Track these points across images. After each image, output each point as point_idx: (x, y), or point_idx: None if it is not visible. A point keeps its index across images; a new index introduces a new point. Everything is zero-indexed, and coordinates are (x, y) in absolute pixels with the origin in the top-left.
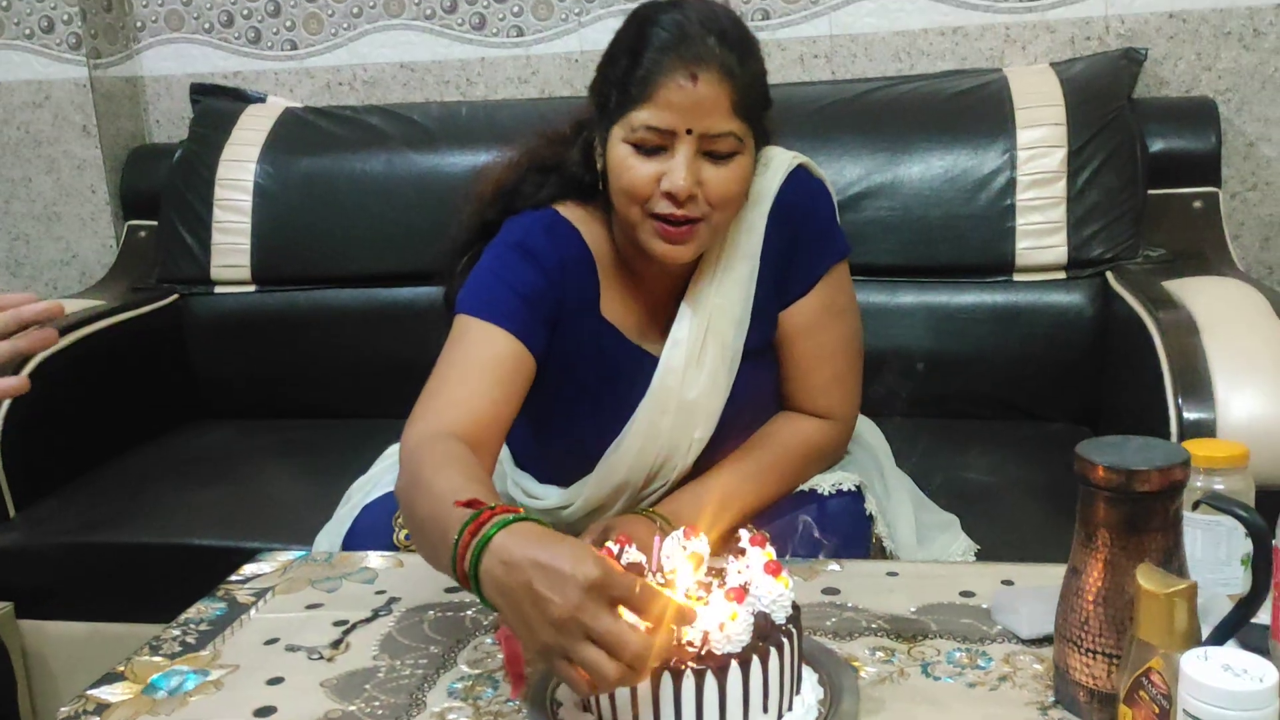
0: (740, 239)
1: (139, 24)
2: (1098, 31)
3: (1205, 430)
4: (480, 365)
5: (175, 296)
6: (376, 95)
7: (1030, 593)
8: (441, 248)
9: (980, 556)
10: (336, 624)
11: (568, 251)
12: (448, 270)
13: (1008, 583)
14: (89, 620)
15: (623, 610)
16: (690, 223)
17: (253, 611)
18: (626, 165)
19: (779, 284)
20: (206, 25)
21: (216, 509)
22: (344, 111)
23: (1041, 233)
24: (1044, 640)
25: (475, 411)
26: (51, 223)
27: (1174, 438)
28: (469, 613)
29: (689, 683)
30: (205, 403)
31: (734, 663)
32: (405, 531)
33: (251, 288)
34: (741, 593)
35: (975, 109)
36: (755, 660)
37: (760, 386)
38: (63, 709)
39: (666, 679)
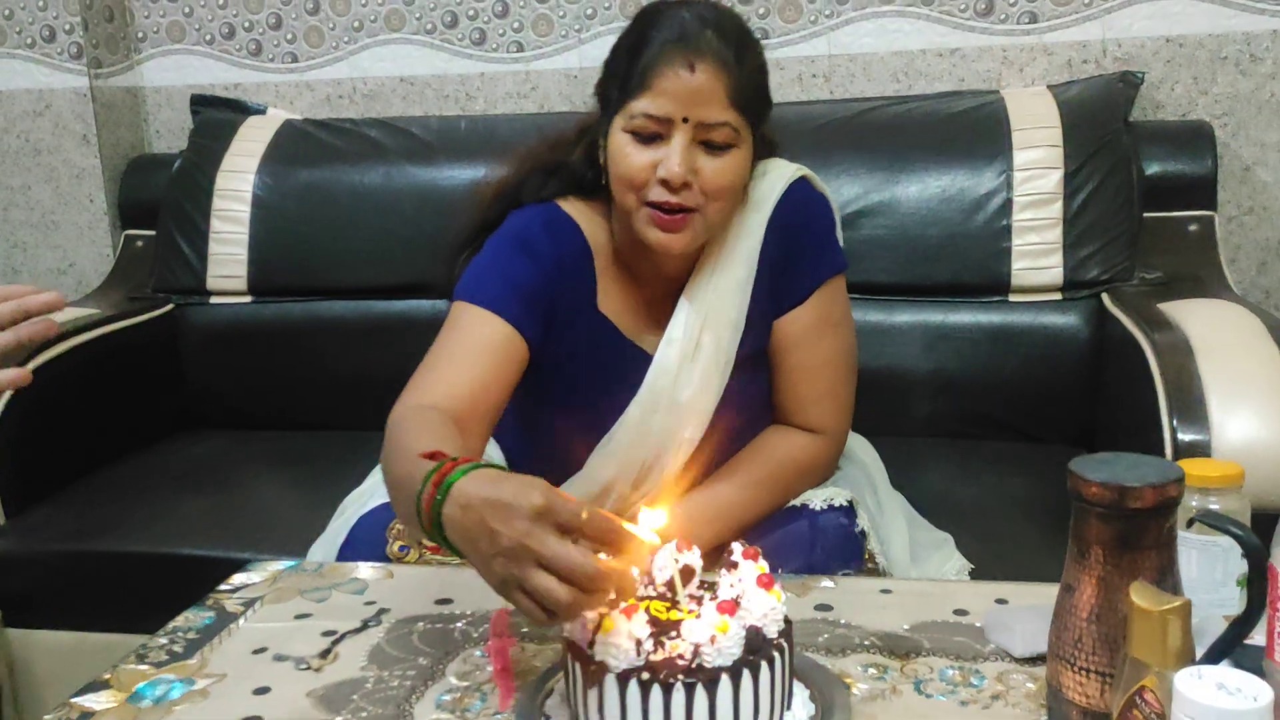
0: (738, 243)
1: (140, 35)
2: (1095, 55)
3: (1200, 452)
4: (470, 347)
5: (171, 306)
6: (376, 109)
7: (1024, 611)
8: (442, 254)
9: (974, 575)
10: (325, 634)
11: (566, 246)
12: (449, 262)
13: (1001, 601)
14: (77, 630)
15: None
16: (684, 211)
17: (241, 621)
18: (624, 153)
19: (774, 292)
20: (208, 37)
21: (208, 519)
22: (343, 124)
23: (1037, 253)
24: (1037, 659)
25: (461, 390)
26: (49, 231)
27: (1169, 459)
28: (459, 625)
29: (679, 695)
30: (199, 412)
31: (724, 676)
32: (400, 543)
33: (247, 298)
34: (733, 606)
35: (972, 130)
36: (746, 674)
37: (752, 393)
38: (47, 717)
39: (656, 691)
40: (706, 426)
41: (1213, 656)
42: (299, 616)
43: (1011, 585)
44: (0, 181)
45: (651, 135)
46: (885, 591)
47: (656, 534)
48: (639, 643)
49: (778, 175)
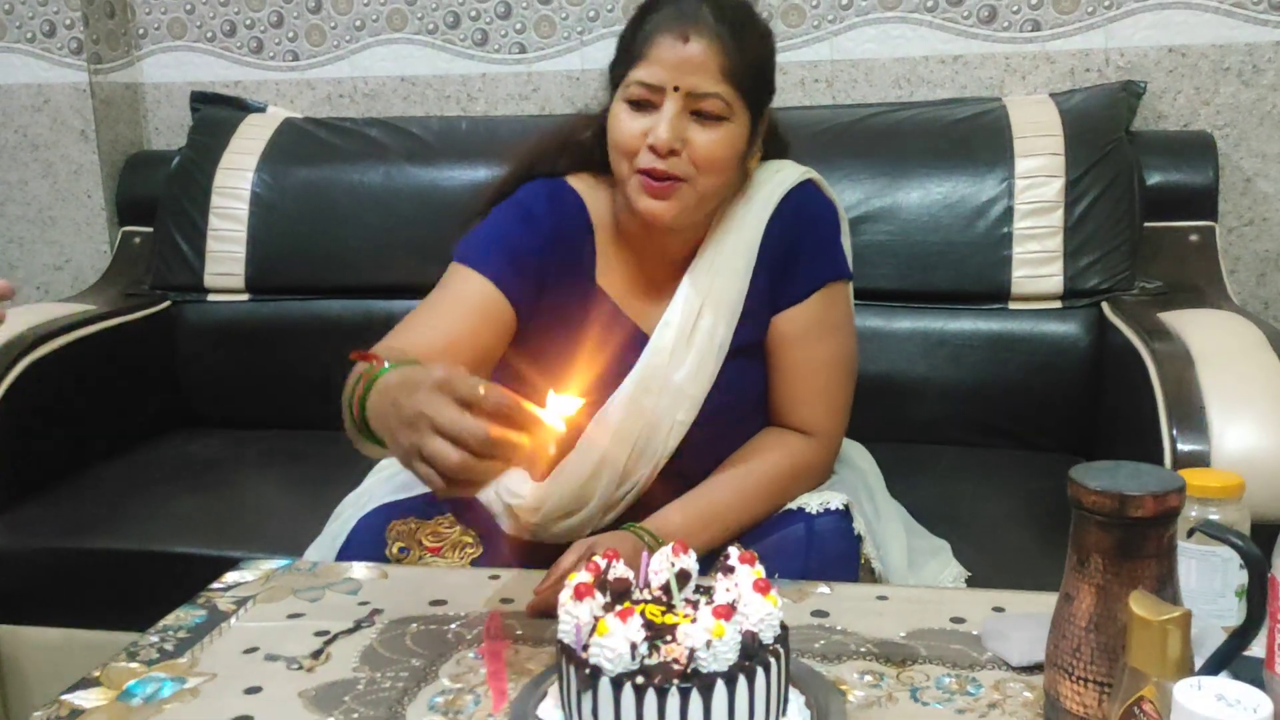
0: (741, 233)
1: (141, 31)
2: (1097, 64)
3: (1200, 462)
4: (451, 304)
5: (168, 303)
6: (377, 108)
7: (1021, 620)
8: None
9: (971, 583)
10: (317, 634)
11: (566, 217)
12: (461, 231)
13: (998, 609)
14: (67, 627)
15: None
16: (673, 180)
17: (233, 620)
18: (619, 121)
19: (774, 288)
20: (209, 34)
21: (201, 517)
22: (343, 123)
23: (1038, 261)
24: (1034, 668)
25: (435, 341)
26: (46, 227)
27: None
28: (452, 626)
29: (674, 700)
30: (194, 410)
31: (720, 681)
32: (399, 544)
33: (245, 297)
34: (729, 610)
35: (974, 137)
36: (742, 679)
37: (746, 384)
38: (35, 714)
39: (651, 696)
40: (699, 411)
41: (1212, 667)
42: (291, 616)
43: (1009, 594)
44: None
45: (645, 104)
46: (882, 598)
47: (564, 421)
48: (634, 646)
49: (787, 174)
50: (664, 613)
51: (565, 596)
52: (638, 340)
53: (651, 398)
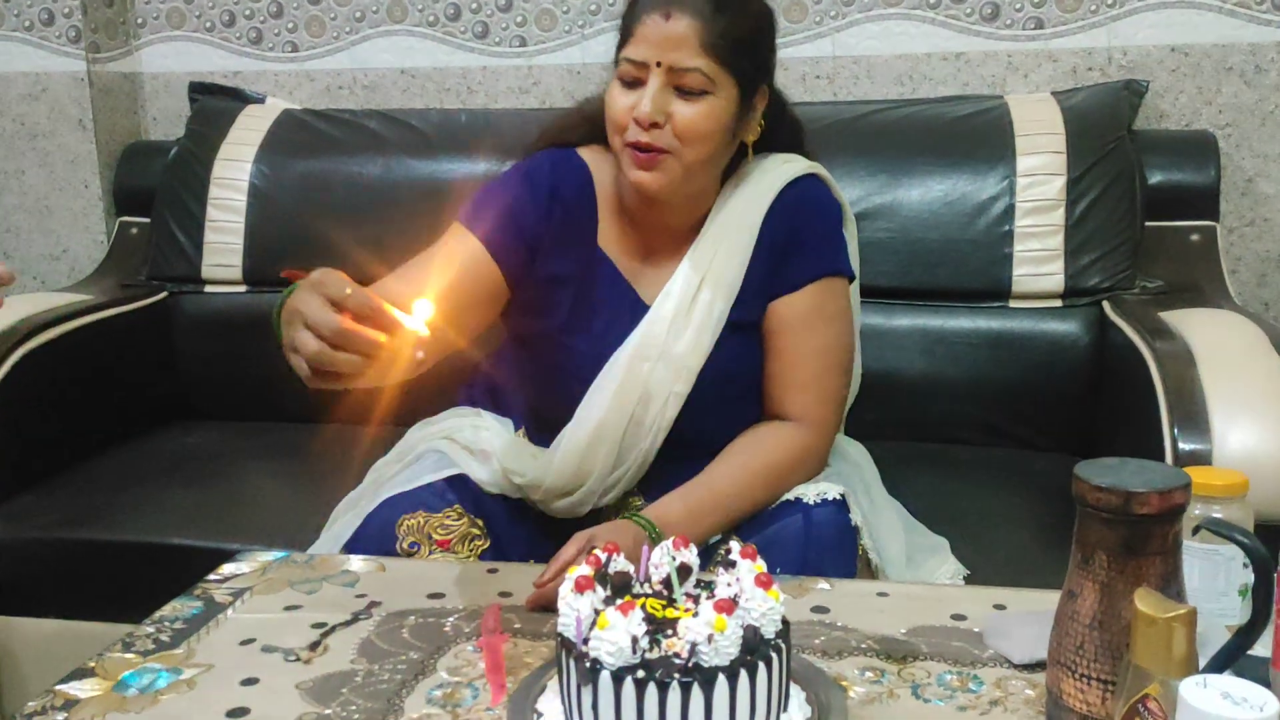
0: (745, 215)
1: (140, 20)
2: (1100, 62)
3: (1201, 461)
4: (435, 259)
5: (164, 294)
6: (376, 100)
7: (1023, 617)
8: None
9: (969, 582)
10: (315, 626)
11: (568, 181)
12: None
13: (1000, 607)
14: (63, 618)
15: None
16: (658, 152)
17: (230, 611)
18: (612, 96)
19: (772, 273)
20: (208, 24)
21: (197, 509)
22: (342, 115)
23: (1039, 260)
24: (1036, 666)
25: (404, 290)
26: (43, 216)
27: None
28: (450, 619)
29: (674, 695)
30: (191, 402)
31: (721, 676)
32: (410, 539)
33: (242, 288)
34: (731, 605)
35: (976, 134)
36: (743, 674)
37: (743, 359)
38: (30, 703)
39: (652, 690)
40: (694, 383)
41: (1217, 665)
42: (288, 608)
43: (1010, 591)
44: None
45: (634, 80)
46: (882, 595)
47: (426, 325)
48: (635, 640)
49: (794, 165)
50: (665, 607)
51: (565, 590)
52: (637, 308)
53: (648, 365)
